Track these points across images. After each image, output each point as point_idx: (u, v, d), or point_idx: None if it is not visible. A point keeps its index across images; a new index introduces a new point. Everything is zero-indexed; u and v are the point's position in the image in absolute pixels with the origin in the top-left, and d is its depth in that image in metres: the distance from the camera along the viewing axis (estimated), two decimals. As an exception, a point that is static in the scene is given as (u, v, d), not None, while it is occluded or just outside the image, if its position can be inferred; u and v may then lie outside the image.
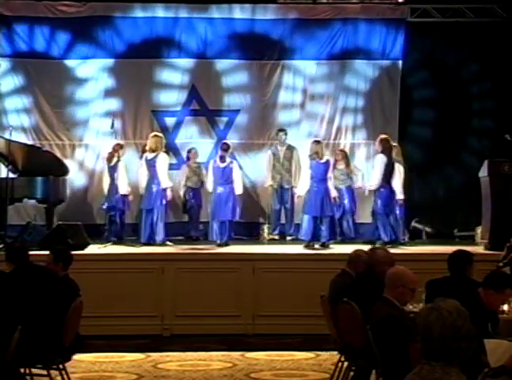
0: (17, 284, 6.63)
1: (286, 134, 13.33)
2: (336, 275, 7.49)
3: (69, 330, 6.58)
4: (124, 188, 12.37)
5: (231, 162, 12.28)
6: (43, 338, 6.43)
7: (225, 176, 12.08)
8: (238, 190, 12.33)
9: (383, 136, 12.37)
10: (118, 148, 12.48)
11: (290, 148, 13.28)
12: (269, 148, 13.55)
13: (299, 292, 9.99)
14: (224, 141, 12.81)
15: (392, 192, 11.99)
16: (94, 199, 13.78)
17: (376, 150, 12.42)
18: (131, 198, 12.65)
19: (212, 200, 12.14)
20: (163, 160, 12.04)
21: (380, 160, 11.94)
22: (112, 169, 12.42)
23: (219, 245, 11.81)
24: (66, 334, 6.53)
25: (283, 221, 13.37)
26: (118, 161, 12.32)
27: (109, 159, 12.51)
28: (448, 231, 13.62)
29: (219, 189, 12.05)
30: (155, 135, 12.44)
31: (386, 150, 12.00)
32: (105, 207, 12.34)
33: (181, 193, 13.35)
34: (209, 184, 12.38)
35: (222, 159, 12.15)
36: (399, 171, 12.33)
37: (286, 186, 13.18)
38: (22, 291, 6.56)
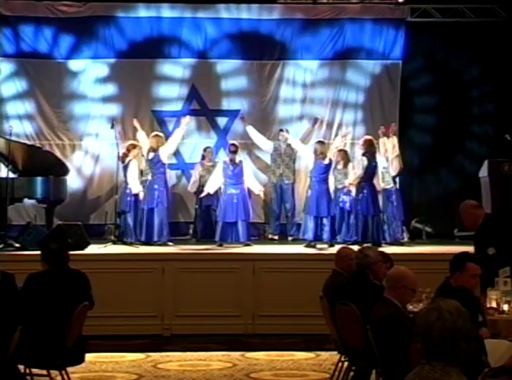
0: (48, 285, 6.67)
1: (288, 132, 13.32)
2: (328, 277, 7.51)
3: (73, 332, 6.58)
4: (135, 188, 12.31)
5: (241, 162, 12.31)
6: (46, 338, 6.44)
7: (236, 177, 12.11)
8: (256, 189, 12.40)
9: (367, 137, 12.44)
10: (131, 148, 12.47)
11: (291, 145, 13.26)
12: (272, 142, 13.48)
13: (299, 292, 9.98)
14: (232, 142, 12.80)
15: (373, 194, 12.01)
16: (94, 200, 13.81)
17: (359, 149, 12.49)
18: (141, 197, 12.48)
19: (223, 201, 12.13)
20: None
21: (361, 162, 12.03)
22: (125, 169, 12.42)
23: (220, 245, 11.85)
24: (68, 336, 6.53)
25: (282, 221, 13.35)
26: (130, 160, 12.32)
27: (123, 159, 12.48)
28: (448, 231, 13.61)
29: (231, 190, 12.07)
30: (156, 135, 12.48)
31: (369, 152, 12.06)
32: (126, 209, 12.26)
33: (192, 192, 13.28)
34: (212, 186, 12.42)
35: (232, 160, 12.17)
36: (396, 162, 12.43)
37: (286, 182, 13.15)
38: (49, 292, 6.59)
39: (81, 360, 6.95)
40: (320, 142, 12.34)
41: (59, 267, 6.82)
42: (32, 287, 6.68)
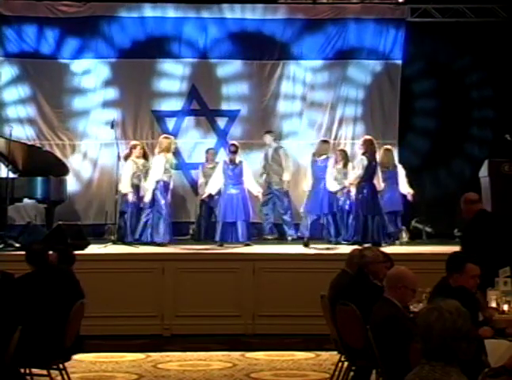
0: (36, 286, 6.67)
1: (273, 135, 13.28)
2: (336, 275, 7.51)
3: (71, 331, 6.58)
4: (124, 188, 12.29)
5: (241, 163, 12.29)
6: (45, 339, 6.44)
7: (236, 178, 12.10)
8: (255, 190, 12.35)
9: (367, 137, 12.42)
10: (133, 148, 12.53)
11: (277, 150, 13.20)
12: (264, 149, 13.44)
13: (299, 292, 9.99)
14: (232, 142, 12.77)
15: (373, 194, 12.00)
16: (94, 200, 13.81)
17: (359, 149, 12.46)
18: (130, 198, 12.43)
19: (223, 201, 12.12)
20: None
21: (361, 162, 11.99)
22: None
23: (220, 245, 11.85)
24: (67, 335, 6.53)
25: (281, 221, 13.28)
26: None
27: (125, 159, 12.49)
28: (448, 231, 13.60)
29: (231, 190, 12.06)
30: (166, 137, 12.46)
31: (368, 151, 12.04)
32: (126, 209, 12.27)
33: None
34: (213, 186, 12.39)
35: (232, 160, 12.16)
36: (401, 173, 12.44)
37: (276, 187, 13.08)
38: (38, 293, 6.59)
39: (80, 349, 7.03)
40: (323, 142, 12.32)
41: (43, 268, 6.81)
42: (19, 290, 6.66)
